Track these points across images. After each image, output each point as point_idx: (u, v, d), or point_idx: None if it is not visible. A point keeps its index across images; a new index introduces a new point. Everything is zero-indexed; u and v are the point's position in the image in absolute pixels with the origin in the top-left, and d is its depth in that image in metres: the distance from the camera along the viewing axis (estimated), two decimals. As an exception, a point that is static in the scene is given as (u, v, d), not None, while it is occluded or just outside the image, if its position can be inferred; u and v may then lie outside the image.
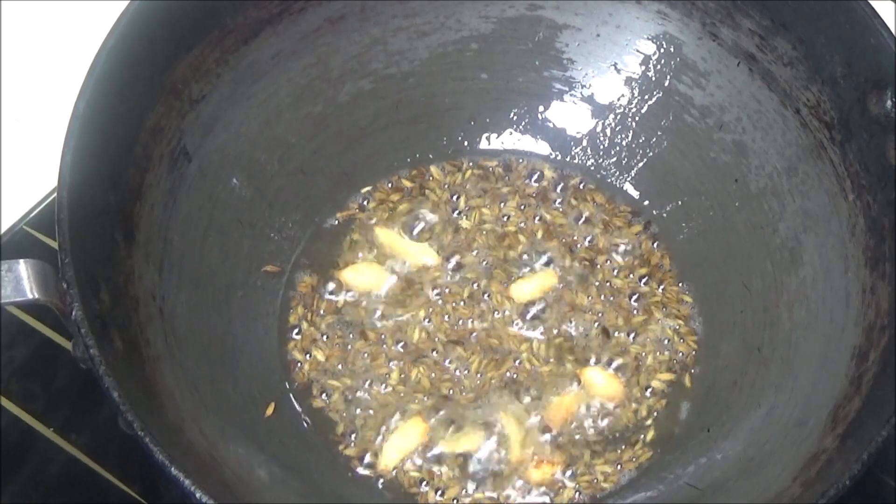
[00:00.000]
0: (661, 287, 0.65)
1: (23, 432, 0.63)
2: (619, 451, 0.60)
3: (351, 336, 0.63)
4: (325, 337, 0.63)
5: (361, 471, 0.60)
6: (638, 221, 0.67)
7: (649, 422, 0.61)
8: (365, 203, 0.68)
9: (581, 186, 0.69)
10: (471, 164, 0.69)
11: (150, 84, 0.57)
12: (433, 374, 0.62)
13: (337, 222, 0.67)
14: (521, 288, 0.65)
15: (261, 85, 0.64)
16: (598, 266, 0.66)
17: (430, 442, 0.60)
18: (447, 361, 0.62)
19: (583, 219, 0.67)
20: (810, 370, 0.57)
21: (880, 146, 0.56)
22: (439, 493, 0.59)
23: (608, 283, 0.65)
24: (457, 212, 0.68)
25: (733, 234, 0.64)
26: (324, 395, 0.62)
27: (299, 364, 0.62)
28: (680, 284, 0.65)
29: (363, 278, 0.65)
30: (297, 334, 0.63)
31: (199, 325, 0.58)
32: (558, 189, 0.69)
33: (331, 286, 0.65)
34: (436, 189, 0.68)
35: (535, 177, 0.69)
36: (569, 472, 0.59)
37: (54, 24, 0.79)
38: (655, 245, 0.67)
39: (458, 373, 0.62)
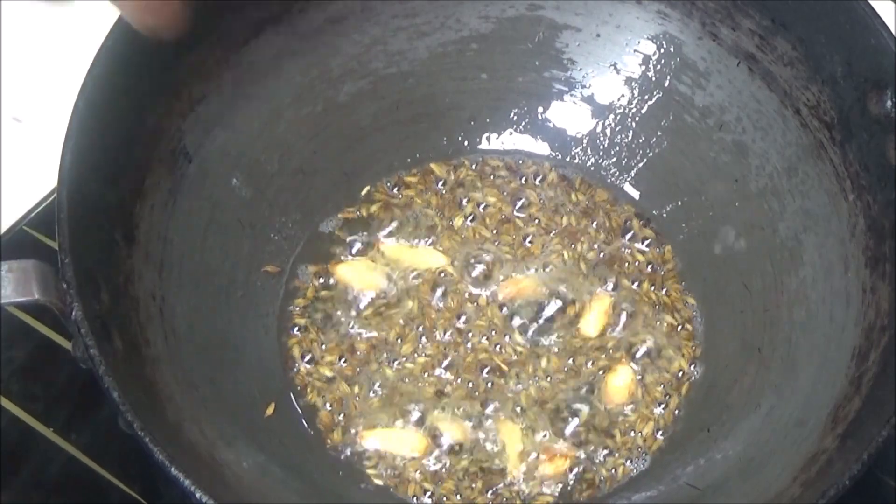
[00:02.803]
0: (662, 287, 0.65)
1: (23, 432, 0.63)
2: (622, 448, 0.60)
3: (349, 336, 0.63)
4: (323, 337, 0.63)
5: (361, 470, 0.59)
6: (638, 221, 0.67)
7: (650, 421, 0.61)
8: (365, 204, 0.68)
9: (582, 186, 0.69)
10: (471, 163, 0.69)
11: (150, 84, 0.57)
12: (431, 373, 0.62)
13: (337, 223, 0.67)
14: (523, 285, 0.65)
15: (261, 85, 0.64)
16: (599, 266, 0.66)
17: (427, 451, 0.60)
18: (445, 361, 0.62)
19: (583, 219, 0.67)
20: (810, 370, 0.57)
21: (880, 146, 0.56)
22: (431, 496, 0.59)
23: (609, 283, 0.65)
24: (458, 211, 0.68)
25: (733, 234, 0.64)
26: (323, 395, 0.62)
27: (299, 364, 0.62)
28: (680, 284, 0.65)
29: (359, 276, 0.65)
30: (296, 334, 0.63)
31: (199, 325, 0.58)
32: (558, 189, 0.69)
33: (330, 287, 0.65)
34: (438, 188, 0.68)
35: (535, 176, 0.69)
36: (576, 470, 0.60)
37: (54, 24, 0.79)
38: (656, 245, 0.67)
39: (455, 371, 0.62)
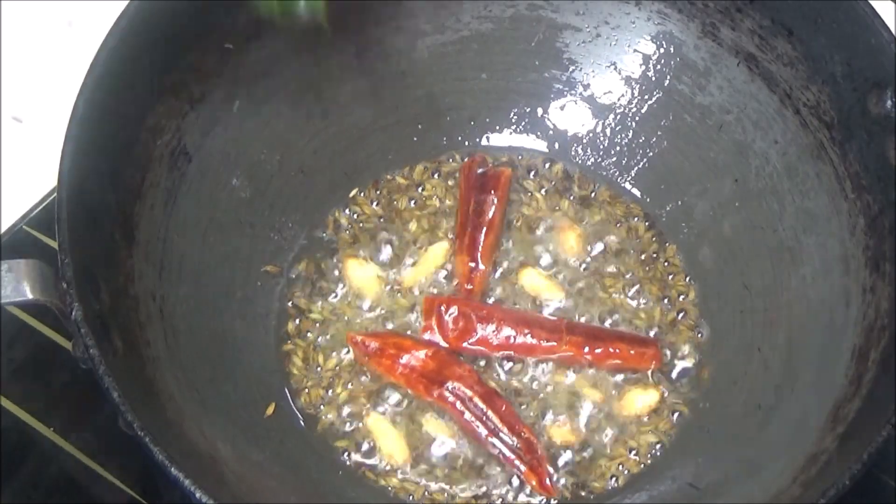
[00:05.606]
0: (662, 287, 0.65)
1: (23, 432, 0.63)
2: (623, 448, 0.60)
3: (347, 336, 0.63)
4: (321, 337, 0.63)
5: (361, 470, 0.60)
6: (638, 221, 0.67)
7: (650, 421, 0.61)
8: (349, 214, 0.68)
9: (583, 186, 0.69)
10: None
11: (150, 84, 0.57)
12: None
13: (336, 224, 0.67)
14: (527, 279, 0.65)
15: (261, 85, 0.64)
16: (600, 266, 0.66)
17: (418, 455, 0.60)
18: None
19: (584, 219, 0.67)
20: (810, 370, 0.57)
21: (880, 146, 0.56)
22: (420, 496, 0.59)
23: (610, 283, 0.65)
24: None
25: (733, 234, 0.64)
26: (323, 395, 0.61)
27: (298, 364, 0.62)
28: (680, 284, 0.65)
29: (360, 276, 0.65)
30: (295, 335, 0.63)
31: (199, 325, 0.58)
32: (558, 189, 0.69)
33: (328, 288, 0.65)
34: (438, 187, 0.68)
35: (535, 175, 0.69)
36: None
37: (54, 24, 0.79)
38: (655, 244, 0.67)
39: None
